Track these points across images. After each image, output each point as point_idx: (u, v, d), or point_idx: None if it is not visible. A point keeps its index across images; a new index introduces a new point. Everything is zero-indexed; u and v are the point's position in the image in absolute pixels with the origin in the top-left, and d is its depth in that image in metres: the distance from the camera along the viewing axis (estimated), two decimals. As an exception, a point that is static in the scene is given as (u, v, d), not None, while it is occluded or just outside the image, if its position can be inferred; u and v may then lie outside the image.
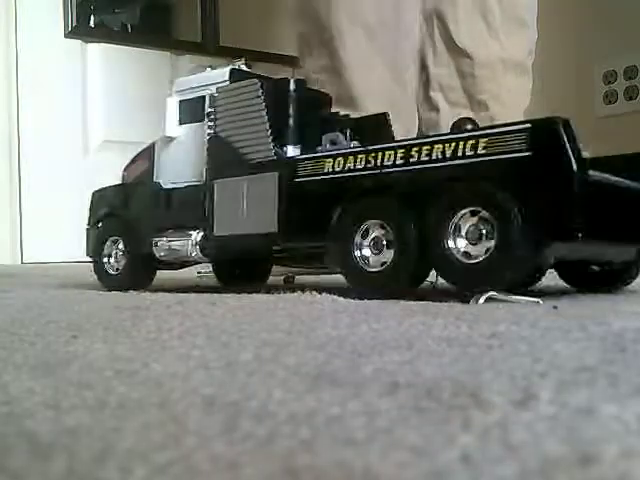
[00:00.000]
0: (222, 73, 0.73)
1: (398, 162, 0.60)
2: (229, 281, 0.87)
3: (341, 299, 0.61)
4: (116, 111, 1.89)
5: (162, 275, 0.88)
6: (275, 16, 1.90)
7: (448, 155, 0.57)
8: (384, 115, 0.74)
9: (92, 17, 1.97)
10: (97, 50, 1.90)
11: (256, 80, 0.69)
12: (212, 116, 0.72)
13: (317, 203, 0.64)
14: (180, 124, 0.76)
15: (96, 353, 0.36)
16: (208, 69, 0.76)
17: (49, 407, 0.25)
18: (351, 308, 0.54)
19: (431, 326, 0.42)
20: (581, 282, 0.59)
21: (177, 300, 0.64)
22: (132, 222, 0.79)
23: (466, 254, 0.57)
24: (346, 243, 0.62)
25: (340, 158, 0.63)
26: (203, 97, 0.74)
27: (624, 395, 0.25)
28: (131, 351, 0.36)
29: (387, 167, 0.60)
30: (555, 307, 0.51)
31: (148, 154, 0.79)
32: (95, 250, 0.83)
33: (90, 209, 0.85)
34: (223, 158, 0.71)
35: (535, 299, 0.56)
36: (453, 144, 0.57)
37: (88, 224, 0.85)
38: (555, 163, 0.53)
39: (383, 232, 0.62)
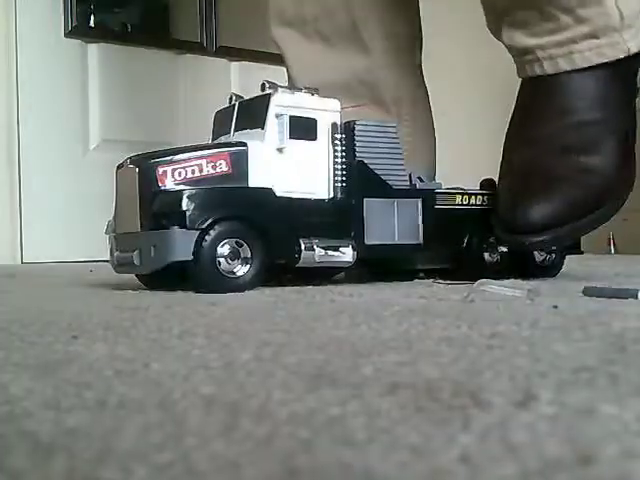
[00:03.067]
0: (334, 104, 0.81)
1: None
2: (155, 286, 0.84)
3: (341, 299, 0.62)
4: (116, 111, 1.89)
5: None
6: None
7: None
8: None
9: (92, 17, 1.97)
10: (97, 50, 1.90)
11: (396, 121, 0.90)
12: (347, 143, 0.81)
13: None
14: (290, 138, 0.79)
15: (96, 353, 0.36)
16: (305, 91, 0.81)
17: (49, 407, 0.25)
18: (351, 308, 0.54)
19: (431, 326, 0.42)
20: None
21: (177, 300, 0.64)
22: (262, 227, 0.78)
23: None
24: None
25: (465, 195, 0.88)
26: (314, 119, 0.80)
27: (624, 395, 0.25)
28: (131, 351, 0.36)
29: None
30: (555, 307, 0.51)
31: (234, 159, 0.78)
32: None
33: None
34: (367, 181, 0.82)
35: (524, 288, 0.60)
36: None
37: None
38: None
39: None
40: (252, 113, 0.81)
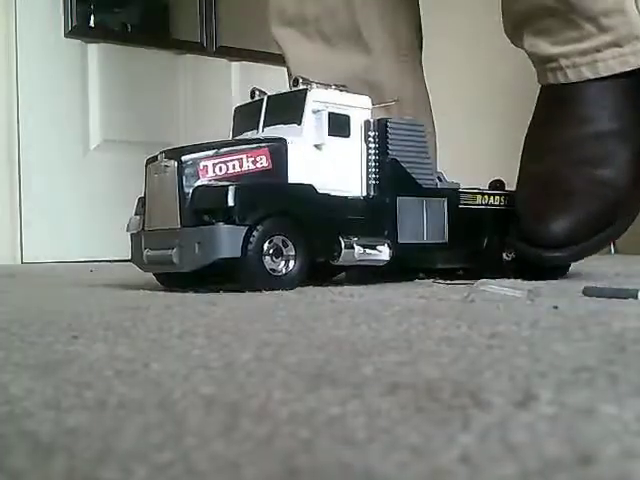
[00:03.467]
0: (366, 101, 0.81)
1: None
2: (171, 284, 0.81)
3: (341, 299, 0.62)
4: (116, 111, 1.89)
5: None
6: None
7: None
8: None
9: (92, 17, 1.97)
10: (97, 50, 1.90)
11: (422, 123, 0.87)
12: (380, 140, 0.80)
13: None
14: (329, 135, 0.78)
15: (96, 353, 0.36)
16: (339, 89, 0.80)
17: (49, 407, 0.25)
18: (351, 308, 0.54)
19: (431, 326, 0.42)
20: None
21: (177, 300, 0.64)
22: (306, 224, 0.76)
23: None
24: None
25: (485, 195, 0.89)
26: (347, 116, 0.79)
27: (624, 395, 0.25)
28: (131, 351, 0.36)
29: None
30: (555, 307, 0.51)
31: (274, 155, 0.75)
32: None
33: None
34: (399, 179, 0.82)
35: (524, 288, 0.60)
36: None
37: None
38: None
39: None
40: (286, 108, 0.79)
